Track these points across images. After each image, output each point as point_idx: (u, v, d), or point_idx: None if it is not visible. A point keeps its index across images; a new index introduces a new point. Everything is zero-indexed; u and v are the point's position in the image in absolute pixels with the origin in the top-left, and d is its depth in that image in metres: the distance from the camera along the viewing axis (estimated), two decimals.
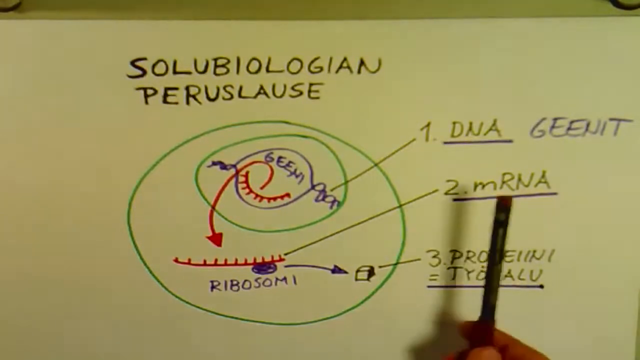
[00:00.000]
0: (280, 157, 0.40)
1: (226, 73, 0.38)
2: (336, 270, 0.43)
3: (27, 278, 0.42)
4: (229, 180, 0.41)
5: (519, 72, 0.39)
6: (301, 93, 0.39)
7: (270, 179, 0.41)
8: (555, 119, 0.40)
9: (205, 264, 0.42)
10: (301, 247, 0.42)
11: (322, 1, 0.37)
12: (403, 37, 0.38)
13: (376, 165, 0.41)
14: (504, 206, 0.37)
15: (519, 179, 0.41)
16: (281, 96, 0.39)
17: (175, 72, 0.38)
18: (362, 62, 0.38)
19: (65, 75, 0.37)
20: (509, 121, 0.40)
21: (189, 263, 0.42)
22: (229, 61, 0.38)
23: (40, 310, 0.42)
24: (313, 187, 0.41)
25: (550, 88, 0.40)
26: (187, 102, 0.38)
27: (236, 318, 0.44)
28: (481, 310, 0.39)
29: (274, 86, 0.38)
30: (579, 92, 0.40)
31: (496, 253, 0.38)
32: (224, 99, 0.38)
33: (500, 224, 0.38)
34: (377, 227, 0.42)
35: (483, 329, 0.39)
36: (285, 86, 0.38)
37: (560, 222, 0.42)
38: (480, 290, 0.39)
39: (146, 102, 0.38)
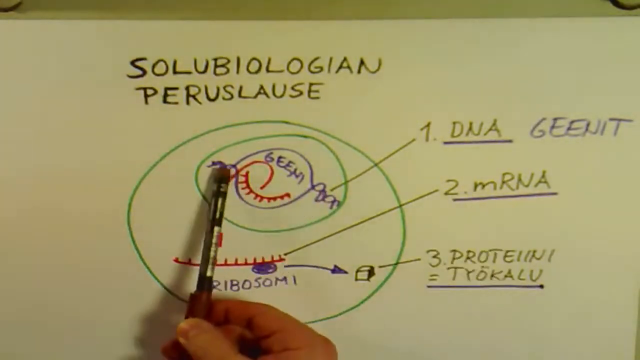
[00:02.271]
0: (280, 157, 0.40)
1: (226, 73, 0.38)
2: (336, 270, 0.43)
3: (27, 278, 0.42)
4: (229, 180, 0.41)
5: (519, 72, 0.39)
6: (301, 93, 0.39)
7: (270, 179, 0.41)
8: (555, 119, 0.40)
9: None
10: (301, 247, 0.42)
11: (322, 1, 0.37)
12: (403, 37, 0.38)
13: (376, 165, 0.41)
14: (226, 178, 0.40)
15: (519, 179, 0.41)
16: (281, 96, 0.39)
17: (175, 72, 0.38)
18: (362, 62, 0.38)
19: (65, 75, 0.37)
20: (509, 121, 0.40)
21: (189, 263, 0.42)
22: (229, 61, 0.38)
23: (39, 310, 0.42)
24: (313, 187, 0.41)
25: (550, 88, 0.39)
26: (187, 102, 0.38)
27: None
28: (197, 282, 0.39)
29: (274, 86, 0.38)
30: (579, 92, 0.40)
31: (214, 222, 0.39)
32: (224, 99, 0.38)
33: (222, 195, 0.40)
34: (377, 227, 0.42)
35: (197, 302, 0.39)
36: (285, 86, 0.38)
37: (560, 222, 0.42)
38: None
39: (146, 102, 0.38)
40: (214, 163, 0.40)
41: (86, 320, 0.43)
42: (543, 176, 0.41)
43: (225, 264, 0.42)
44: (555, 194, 0.42)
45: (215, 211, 0.39)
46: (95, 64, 0.37)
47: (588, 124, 0.40)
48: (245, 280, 0.43)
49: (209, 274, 0.39)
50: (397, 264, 0.43)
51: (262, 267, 0.43)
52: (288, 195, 0.41)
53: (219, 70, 0.38)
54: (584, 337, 0.45)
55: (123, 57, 0.37)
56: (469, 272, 0.44)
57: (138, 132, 0.39)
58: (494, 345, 0.45)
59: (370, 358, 0.45)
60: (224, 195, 0.40)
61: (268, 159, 0.40)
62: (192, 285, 0.43)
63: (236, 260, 0.43)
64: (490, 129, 0.40)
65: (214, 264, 0.39)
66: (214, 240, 0.39)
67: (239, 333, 0.40)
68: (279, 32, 0.37)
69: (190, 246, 0.42)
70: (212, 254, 0.39)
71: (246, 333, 0.39)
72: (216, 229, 0.39)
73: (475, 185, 0.42)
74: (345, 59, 0.38)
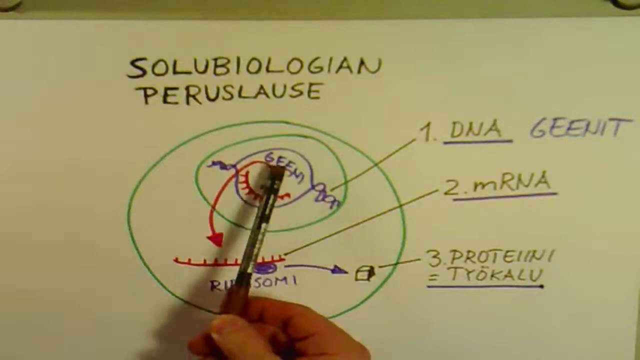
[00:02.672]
0: (280, 157, 0.40)
1: (226, 73, 0.38)
2: (336, 270, 0.43)
3: (27, 277, 0.42)
4: (229, 180, 0.41)
5: (519, 72, 0.39)
6: (301, 93, 0.39)
7: None
8: (555, 119, 0.40)
9: (205, 264, 0.42)
10: (301, 247, 0.42)
11: (322, 1, 0.37)
12: (403, 37, 0.38)
13: (376, 165, 0.41)
14: (280, 175, 0.40)
15: (519, 179, 0.41)
16: (281, 96, 0.39)
17: (175, 72, 0.38)
18: (362, 62, 0.38)
19: (65, 75, 0.37)
20: (509, 121, 0.40)
21: (189, 263, 0.42)
22: (229, 61, 0.38)
23: (39, 310, 0.42)
24: (313, 187, 0.41)
25: (550, 88, 0.39)
26: (187, 102, 0.38)
27: None
28: (236, 277, 0.39)
29: (274, 86, 0.38)
30: (579, 92, 0.40)
31: (262, 219, 0.39)
32: (224, 99, 0.38)
33: (274, 191, 0.39)
34: (377, 227, 0.42)
35: (234, 297, 0.38)
36: (285, 86, 0.38)
37: (560, 222, 0.42)
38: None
39: (146, 102, 0.38)
40: (214, 163, 0.40)
41: (85, 320, 0.43)
42: (543, 176, 0.41)
43: (225, 264, 0.42)
44: (555, 194, 0.42)
45: (265, 208, 0.39)
46: (95, 64, 0.37)
47: (588, 124, 0.40)
48: None
49: (249, 270, 0.38)
50: (397, 264, 0.43)
51: (262, 267, 0.43)
52: (288, 195, 0.41)
53: (219, 70, 0.38)
54: (584, 337, 0.45)
55: (123, 57, 0.37)
56: (469, 272, 0.44)
57: (138, 132, 0.39)
58: (494, 345, 0.45)
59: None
60: (276, 192, 0.39)
61: (268, 159, 0.40)
62: (192, 286, 0.43)
63: (236, 260, 0.42)
64: (490, 129, 0.40)
65: (256, 260, 0.39)
66: (259, 237, 0.39)
67: (271, 332, 0.39)
68: (279, 32, 0.37)
69: (190, 246, 0.42)
70: (255, 250, 0.39)
71: (278, 333, 0.39)
72: (263, 225, 0.39)
73: (475, 185, 0.42)
74: (345, 59, 0.38)
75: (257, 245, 0.39)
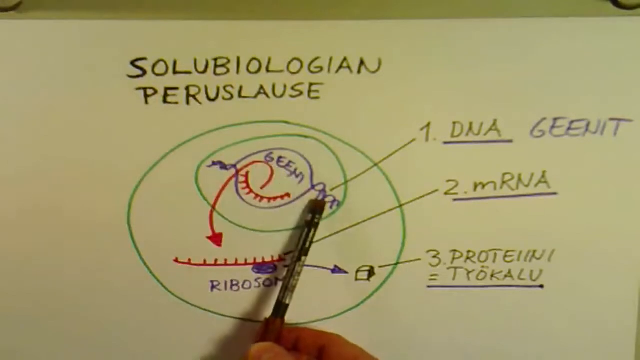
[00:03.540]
0: (280, 157, 0.40)
1: (226, 73, 0.38)
2: (336, 270, 0.43)
3: (26, 277, 0.42)
4: (229, 180, 0.41)
5: (519, 72, 0.39)
6: (301, 93, 0.39)
7: (270, 179, 0.41)
8: (555, 119, 0.40)
9: (205, 264, 0.42)
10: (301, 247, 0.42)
11: (322, 1, 0.37)
12: (403, 37, 0.38)
13: (376, 165, 0.41)
14: (320, 209, 0.40)
15: (519, 179, 0.41)
16: (281, 96, 0.39)
17: (175, 72, 0.38)
18: (362, 62, 0.38)
19: (65, 75, 0.37)
20: (509, 121, 0.40)
21: (189, 263, 0.42)
22: (229, 61, 0.38)
23: (38, 310, 0.42)
24: (313, 187, 0.41)
25: (550, 88, 0.40)
26: (187, 102, 0.38)
27: (236, 318, 0.44)
28: (274, 307, 0.40)
29: (274, 86, 0.38)
30: (579, 92, 0.40)
31: (302, 252, 0.40)
32: (224, 99, 0.38)
33: (314, 225, 0.40)
34: (377, 227, 0.42)
35: (270, 326, 0.40)
36: (285, 86, 0.38)
37: (560, 222, 0.42)
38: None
39: (146, 102, 0.38)
40: (214, 163, 0.40)
41: (85, 320, 0.43)
42: (543, 176, 0.41)
43: (225, 264, 0.42)
44: (555, 194, 0.42)
45: (305, 241, 0.40)
46: (95, 64, 0.37)
47: (588, 124, 0.40)
48: (245, 280, 0.43)
49: (287, 301, 0.40)
50: (397, 264, 0.43)
51: (262, 267, 0.43)
52: (288, 195, 0.41)
53: (219, 70, 0.38)
54: (584, 337, 0.45)
55: (123, 57, 0.37)
56: (469, 272, 0.44)
57: (138, 132, 0.39)
58: (494, 345, 0.45)
59: None
60: (316, 226, 0.40)
61: (268, 159, 0.40)
62: (192, 286, 0.43)
63: (236, 260, 0.43)
64: (490, 129, 0.40)
65: (293, 291, 0.40)
66: (298, 269, 0.40)
67: None
68: (279, 32, 0.37)
69: (190, 246, 0.42)
70: (294, 282, 0.40)
71: None
72: (303, 258, 0.40)
73: (475, 185, 0.42)
74: (345, 59, 0.38)
75: (295, 277, 0.40)
